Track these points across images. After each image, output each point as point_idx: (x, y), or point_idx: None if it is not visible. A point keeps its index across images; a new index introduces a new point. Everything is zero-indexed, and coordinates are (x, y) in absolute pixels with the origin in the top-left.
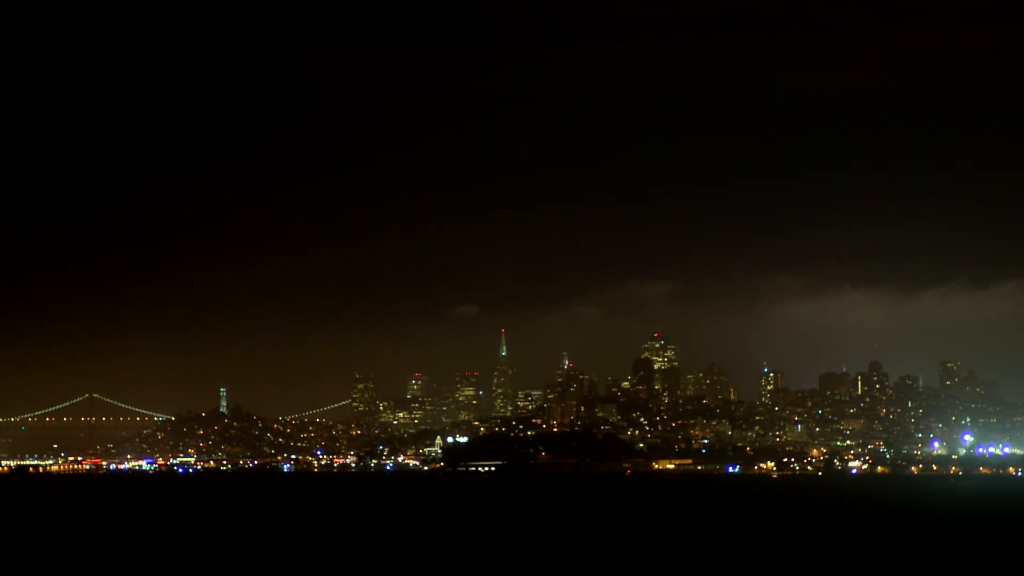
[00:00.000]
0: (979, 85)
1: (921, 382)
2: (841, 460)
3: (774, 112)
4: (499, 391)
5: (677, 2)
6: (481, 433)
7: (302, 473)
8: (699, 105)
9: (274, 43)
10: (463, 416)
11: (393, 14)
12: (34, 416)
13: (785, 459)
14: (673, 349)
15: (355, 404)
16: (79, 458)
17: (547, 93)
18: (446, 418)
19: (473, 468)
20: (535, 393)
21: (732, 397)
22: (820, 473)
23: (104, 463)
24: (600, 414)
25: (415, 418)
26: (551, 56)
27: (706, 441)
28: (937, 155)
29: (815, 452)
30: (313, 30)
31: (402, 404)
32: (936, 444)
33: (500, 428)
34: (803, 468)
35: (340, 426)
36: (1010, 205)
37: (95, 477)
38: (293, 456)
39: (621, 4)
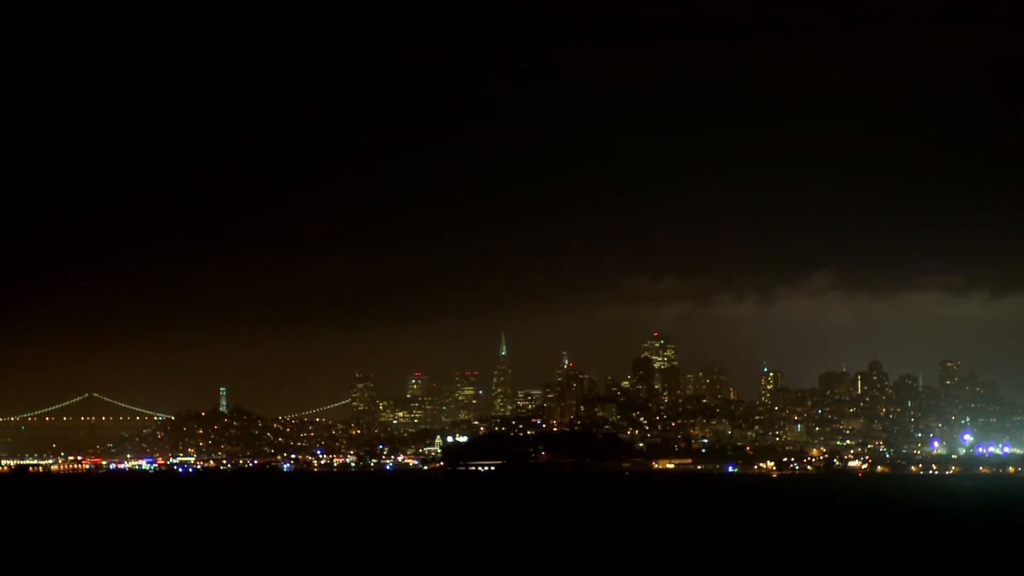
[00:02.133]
0: (940, 87)
1: (921, 382)
2: (841, 460)
3: (755, 110)
4: (499, 391)
5: (638, 4)
6: (481, 433)
7: (302, 473)
8: (684, 102)
9: (278, 46)
10: (463, 416)
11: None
12: (34, 416)
13: (785, 459)
14: (673, 349)
15: (355, 404)
16: (79, 458)
17: (531, 95)
18: (446, 418)
19: (473, 468)
20: (535, 393)
21: (732, 397)
22: (820, 468)
23: (104, 463)
24: (600, 414)
25: (415, 418)
26: (515, 60)
27: (706, 441)
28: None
29: (815, 452)
30: (314, 32)
31: (402, 404)
32: (936, 444)
33: (500, 428)
34: (803, 468)
35: (340, 426)
36: (1005, 206)
37: (95, 477)
38: (293, 456)
39: (581, 7)
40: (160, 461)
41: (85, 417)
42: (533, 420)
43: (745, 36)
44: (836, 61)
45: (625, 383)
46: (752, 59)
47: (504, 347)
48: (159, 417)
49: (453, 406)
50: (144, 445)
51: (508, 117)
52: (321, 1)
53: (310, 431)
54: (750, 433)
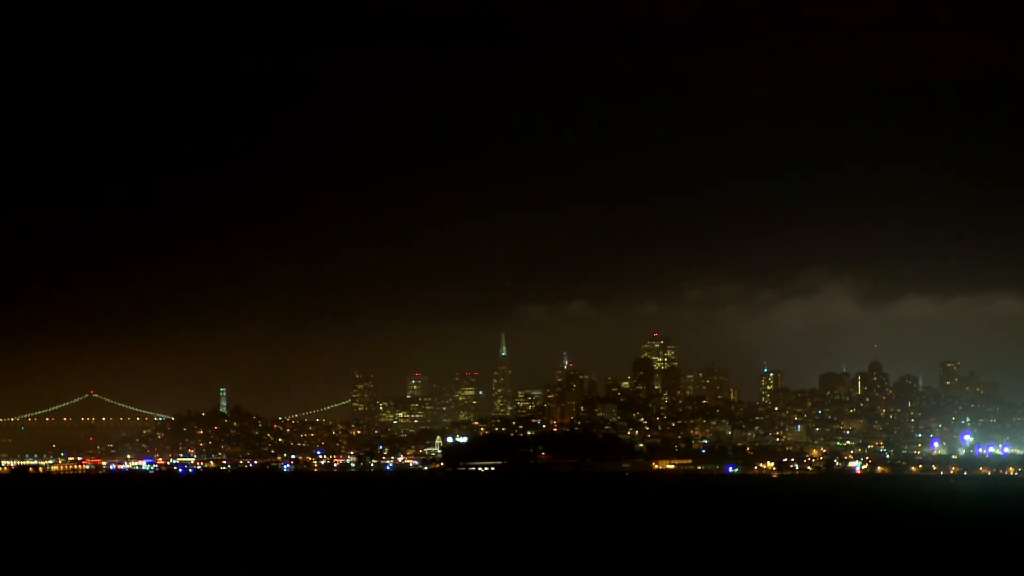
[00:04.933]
0: (893, 92)
1: (921, 382)
2: (841, 460)
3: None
4: (499, 391)
5: (591, 10)
6: (481, 433)
7: (302, 473)
8: (694, 101)
9: (278, 47)
10: (463, 416)
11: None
12: (34, 416)
13: (785, 459)
14: (673, 349)
15: (355, 404)
16: (79, 458)
17: (517, 96)
18: (446, 418)
19: (473, 468)
20: (535, 393)
21: (732, 397)
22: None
23: (104, 463)
24: (600, 414)
25: (415, 418)
26: (475, 64)
27: (706, 441)
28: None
29: (815, 452)
30: (314, 33)
31: (402, 404)
32: (936, 444)
33: (500, 428)
34: (803, 468)
35: (340, 426)
36: (1004, 208)
37: (95, 477)
38: (293, 456)
39: (534, 12)
40: (160, 462)
41: (85, 417)
42: (533, 420)
43: (695, 42)
44: (788, 66)
45: (625, 383)
46: (704, 65)
47: (504, 347)
48: (159, 417)
49: (453, 407)
50: (144, 445)
51: (491, 119)
52: (320, 3)
53: (310, 432)
54: (750, 433)
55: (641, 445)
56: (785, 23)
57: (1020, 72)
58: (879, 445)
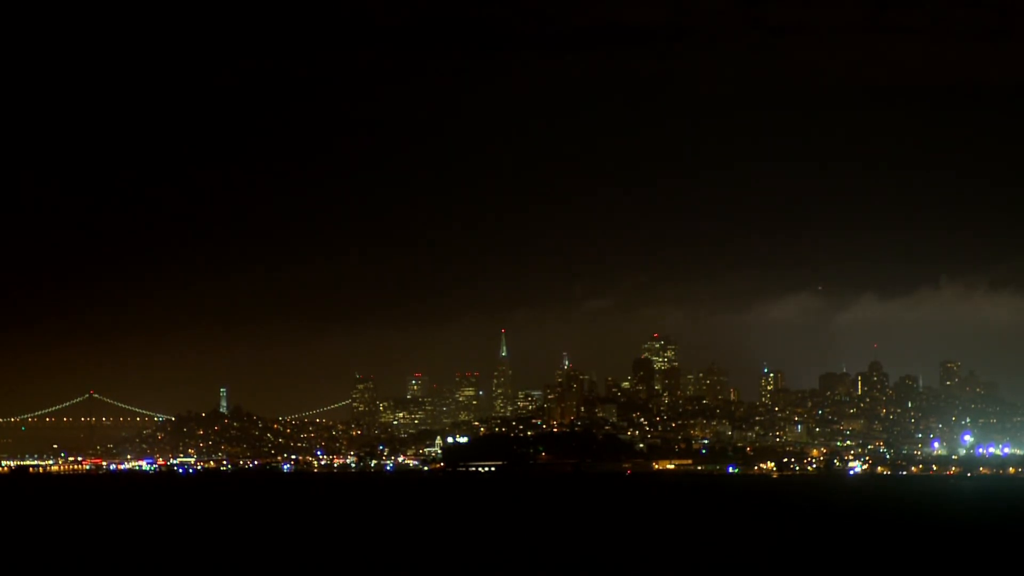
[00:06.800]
0: (864, 95)
1: (921, 382)
2: (841, 460)
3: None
4: (499, 391)
5: (560, 14)
6: (481, 433)
7: (302, 473)
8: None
9: (278, 47)
10: (463, 416)
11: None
12: (34, 416)
13: (785, 459)
14: (673, 349)
15: (355, 404)
16: (79, 458)
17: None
18: (446, 418)
19: (473, 468)
20: (535, 393)
21: (732, 397)
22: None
23: (104, 463)
24: (600, 414)
25: (415, 418)
26: (471, 65)
27: (706, 441)
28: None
29: (815, 452)
30: (315, 33)
31: (402, 404)
32: (936, 444)
33: (500, 428)
34: (803, 468)
35: (340, 426)
36: (1005, 205)
37: (95, 477)
38: (293, 456)
39: (507, 18)
40: (160, 462)
41: (85, 418)
42: (533, 421)
43: (666, 46)
44: (757, 70)
45: (625, 384)
46: (676, 68)
47: (504, 347)
48: (159, 418)
49: (453, 407)
50: (144, 446)
51: (488, 118)
52: (320, 3)
53: (310, 432)
54: (750, 434)
55: (641, 445)
56: (750, 26)
57: (989, 75)
58: (879, 445)
